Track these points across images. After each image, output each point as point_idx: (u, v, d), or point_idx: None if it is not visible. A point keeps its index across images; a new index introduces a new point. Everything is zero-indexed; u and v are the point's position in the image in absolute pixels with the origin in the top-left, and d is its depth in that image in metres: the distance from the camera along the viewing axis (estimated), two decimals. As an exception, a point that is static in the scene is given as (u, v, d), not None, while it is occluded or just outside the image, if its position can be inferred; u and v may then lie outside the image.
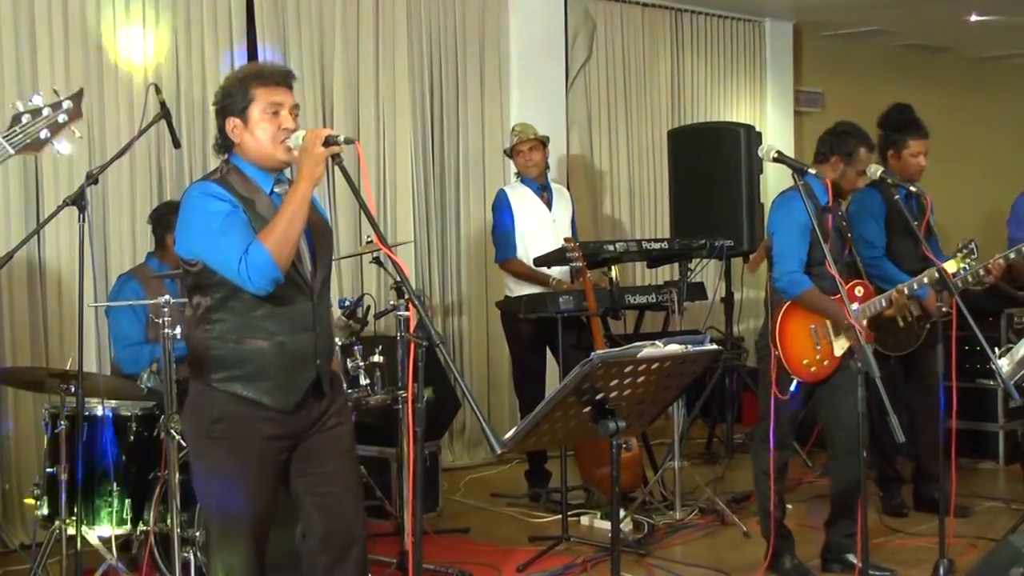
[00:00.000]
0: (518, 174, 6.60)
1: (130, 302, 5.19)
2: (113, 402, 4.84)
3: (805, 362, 4.82)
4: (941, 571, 4.67)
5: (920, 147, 5.71)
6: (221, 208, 3.33)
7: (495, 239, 6.61)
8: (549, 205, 6.56)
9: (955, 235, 5.95)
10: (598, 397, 3.14)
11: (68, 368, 4.66)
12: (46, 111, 3.58)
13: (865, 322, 4.85)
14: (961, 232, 5.83)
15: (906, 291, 5.01)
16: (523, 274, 6.44)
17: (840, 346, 4.83)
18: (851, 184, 4.92)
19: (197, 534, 4.46)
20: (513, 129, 6.68)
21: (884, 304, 4.97)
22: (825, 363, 4.84)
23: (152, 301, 4.63)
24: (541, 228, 6.46)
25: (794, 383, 4.80)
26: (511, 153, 6.59)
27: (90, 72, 6.12)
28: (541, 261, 6.26)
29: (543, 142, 6.55)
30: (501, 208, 6.54)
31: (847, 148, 4.87)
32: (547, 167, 6.64)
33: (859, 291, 4.92)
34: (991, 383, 6.24)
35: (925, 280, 4.98)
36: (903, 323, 5.32)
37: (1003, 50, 11.65)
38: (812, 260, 4.79)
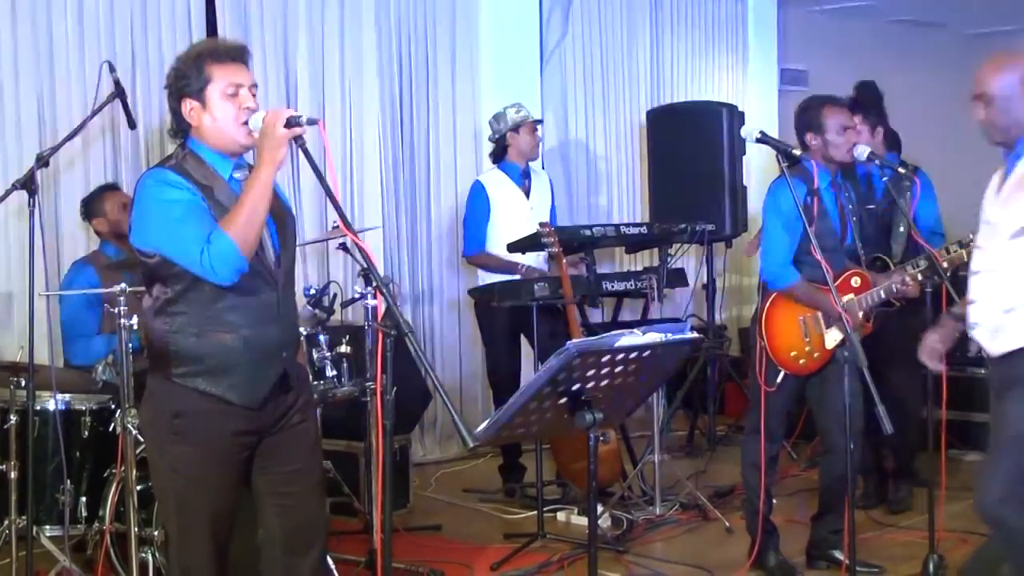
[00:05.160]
0: (499, 160, 6.47)
1: (83, 291, 5.10)
2: (66, 396, 4.78)
3: (793, 354, 4.71)
4: (931, 567, 4.64)
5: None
6: (180, 196, 3.24)
7: (465, 231, 6.53)
8: (527, 193, 6.47)
9: (950, 216, 5.84)
10: (574, 388, 3.11)
11: (18, 360, 4.60)
12: None
13: (861, 314, 4.72)
14: (956, 213, 5.70)
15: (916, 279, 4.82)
16: (492, 266, 6.36)
17: (832, 338, 4.70)
18: (841, 152, 4.73)
19: (155, 533, 4.38)
20: (513, 107, 6.48)
21: (883, 295, 4.77)
22: (815, 356, 4.72)
23: (108, 290, 4.56)
24: (519, 218, 6.34)
25: (780, 375, 4.70)
26: (508, 135, 6.43)
27: (40, 48, 5.95)
28: (515, 247, 6.18)
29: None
30: (477, 200, 6.44)
31: (814, 120, 4.73)
32: None
33: (856, 281, 4.76)
34: (980, 371, 6.14)
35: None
36: None
37: (997, 25, 11.50)
38: (802, 249, 4.63)
